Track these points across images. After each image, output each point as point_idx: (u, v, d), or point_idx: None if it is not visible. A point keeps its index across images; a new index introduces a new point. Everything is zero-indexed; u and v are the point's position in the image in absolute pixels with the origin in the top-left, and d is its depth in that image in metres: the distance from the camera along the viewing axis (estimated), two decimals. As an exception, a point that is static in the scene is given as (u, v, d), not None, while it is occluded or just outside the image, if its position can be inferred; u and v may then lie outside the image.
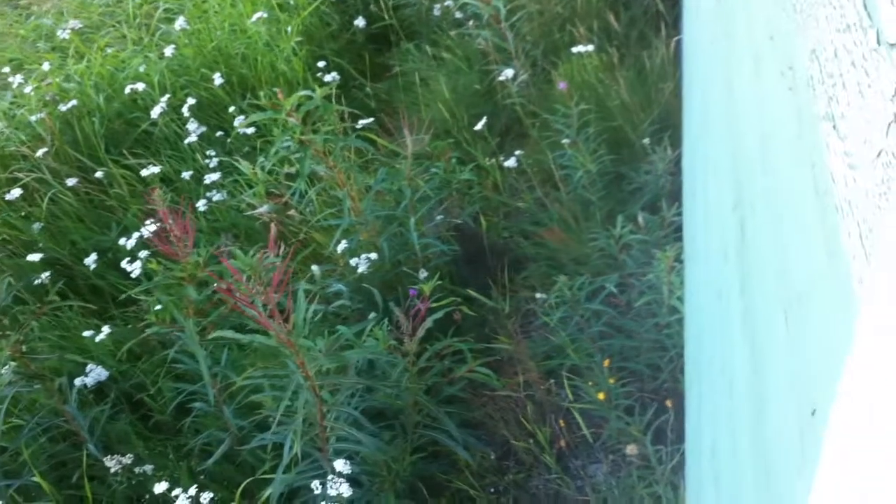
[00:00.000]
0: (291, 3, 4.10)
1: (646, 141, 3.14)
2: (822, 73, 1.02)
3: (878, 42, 0.80)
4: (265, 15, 3.79)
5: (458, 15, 4.11)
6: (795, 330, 1.06)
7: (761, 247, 1.38)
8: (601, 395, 2.35)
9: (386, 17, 4.17)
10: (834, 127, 0.94)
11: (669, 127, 3.25)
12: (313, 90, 2.71)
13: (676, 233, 2.76)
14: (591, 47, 3.45)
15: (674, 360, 2.49)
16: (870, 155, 0.78)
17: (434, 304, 2.32)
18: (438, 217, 3.07)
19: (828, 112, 0.98)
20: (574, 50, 3.47)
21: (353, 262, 2.71)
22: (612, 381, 2.37)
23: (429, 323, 2.22)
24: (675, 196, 2.97)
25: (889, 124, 0.74)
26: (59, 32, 4.04)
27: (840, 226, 0.86)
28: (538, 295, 2.77)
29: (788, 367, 1.08)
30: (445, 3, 4.18)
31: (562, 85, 3.25)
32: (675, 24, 3.84)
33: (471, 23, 3.97)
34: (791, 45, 1.25)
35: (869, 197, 0.78)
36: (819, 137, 0.99)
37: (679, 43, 3.55)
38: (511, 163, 3.22)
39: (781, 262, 1.18)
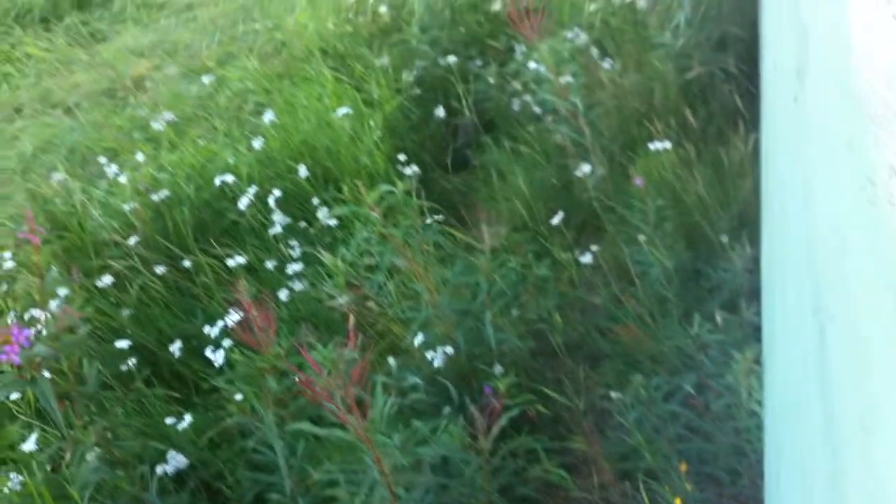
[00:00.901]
0: (375, 97, 4.24)
1: (723, 238, 3.13)
2: (902, 193, 1.03)
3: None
4: (350, 111, 3.93)
5: (537, 110, 4.19)
6: (872, 444, 1.05)
7: (842, 357, 1.36)
8: (678, 501, 2.31)
9: (466, 112, 4.27)
10: (914, 251, 0.94)
11: (747, 224, 3.24)
12: (394, 183, 2.79)
13: (755, 333, 2.73)
14: (668, 143, 3.48)
15: (753, 465, 2.44)
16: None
17: (509, 402, 2.32)
18: (514, 312, 3.08)
19: (906, 232, 0.98)
20: (651, 146, 3.50)
21: (428, 355, 2.74)
22: (689, 486, 2.33)
23: (503, 420, 2.23)
24: (754, 295, 2.94)
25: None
26: (153, 123, 4.24)
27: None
28: (613, 394, 2.75)
29: (865, 483, 1.07)
30: (524, 98, 4.27)
31: (638, 181, 3.28)
32: (753, 122, 3.84)
33: (549, 118, 4.04)
34: (870, 158, 1.25)
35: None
36: (898, 257, 0.99)
37: (757, 141, 3.56)
38: (587, 258, 3.23)
39: (862, 378, 1.17)
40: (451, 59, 4.48)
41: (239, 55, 5.00)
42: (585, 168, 3.56)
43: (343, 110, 3.92)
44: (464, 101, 4.31)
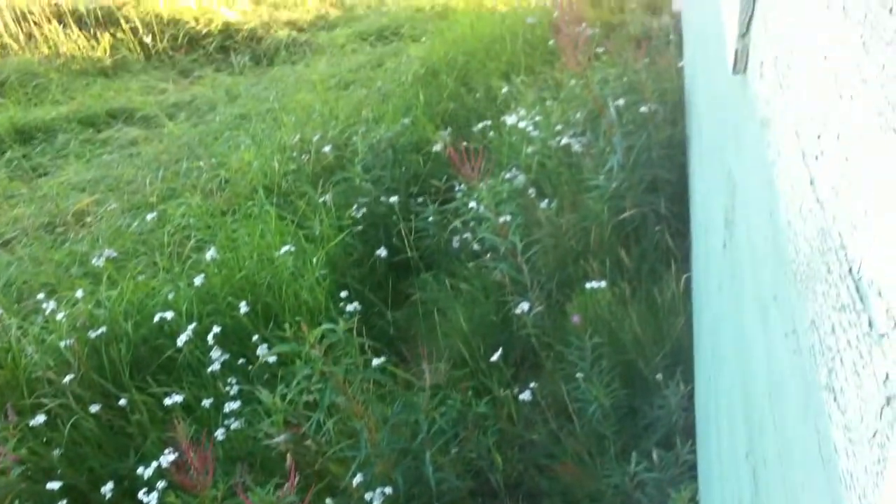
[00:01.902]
0: (318, 234, 4.30)
1: (658, 376, 3.19)
2: (822, 345, 1.09)
3: (871, 327, 0.87)
4: (292, 248, 3.97)
5: (476, 247, 4.29)
6: None
7: (774, 502, 1.39)
8: None
9: (408, 250, 4.35)
10: (835, 399, 1.00)
11: (681, 362, 3.31)
12: (335, 320, 2.81)
13: (691, 471, 2.75)
14: (603, 282, 3.57)
15: None
16: (867, 433, 0.83)
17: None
18: (454, 450, 3.07)
19: (828, 383, 1.03)
20: (587, 285, 3.59)
21: (367, 496, 2.70)
22: None
23: (444, 563, 2.20)
24: (689, 432, 2.98)
25: (882, 408, 0.79)
26: (93, 259, 4.22)
27: (844, 497, 0.90)
28: (554, 533, 2.73)
29: None
30: (464, 236, 4.37)
31: (575, 318, 3.35)
32: (684, 261, 3.98)
33: (488, 255, 4.13)
34: (793, 310, 1.32)
35: (868, 473, 0.82)
36: (822, 406, 1.04)
37: (689, 280, 3.68)
38: (526, 395, 3.26)
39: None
40: (394, 197, 4.58)
41: (182, 192, 5.04)
42: (524, 305, 3.62)
43: (285, 248, 3.97)
44: (405, 239, 4.39)
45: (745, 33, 2.06)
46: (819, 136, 1.21)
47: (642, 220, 4.24)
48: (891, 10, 0.88)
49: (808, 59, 1.30)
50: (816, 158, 1.22)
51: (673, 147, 4.74)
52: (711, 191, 2.82)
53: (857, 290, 0.97)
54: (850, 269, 1.04)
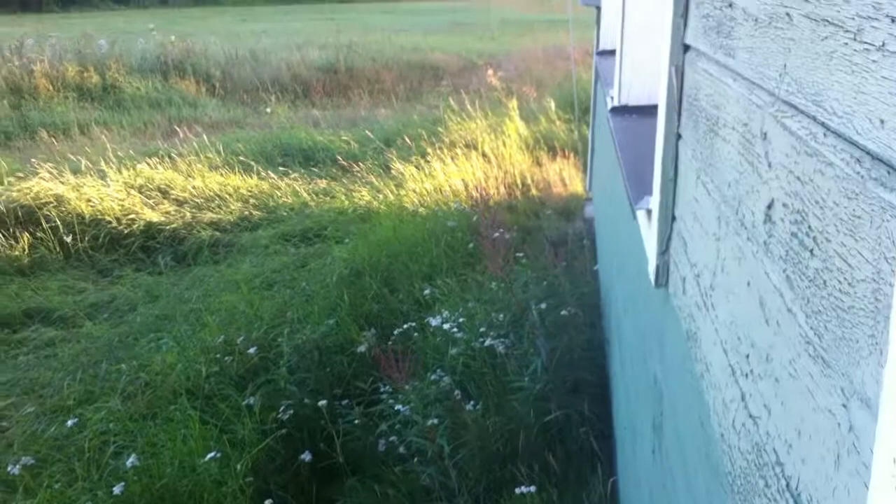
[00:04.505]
0: (241, 438, 4.22)
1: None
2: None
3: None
4: (216, 455, 3.89)
5: (402, 451, 4.26)
6: None
7: None
8: None
9: (333, 455, 4.29)
10: None
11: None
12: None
13: None
14: (533, 488, 3.58)
15: None
16: None
17: None
18: None
19: None
20: (518, 490, 3.59)
21: None
22: None
23: None
24: None
25: None
26: (8, 467, 4.04)
27: None
28: None
29: None
30: (390, 439, 4.34)
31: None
32: (609, 463, 4.02)
33: (415, 459, 4.10)
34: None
35: None
36: None
37: (615, 483, 3.71)
38: None
39: None
40: (319, 400, 4.56)
41: (100, 395, 4.93)
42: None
43: (210, 454, 3.88)
44: (331, 443, 4.34)
45: (664, 251, 2.21)
46: (748, 357, 1.30)
47: (566, 422, 4.30)
48: (812, 252, 1.00)
49: (730, 282, 1.42)
50: (747, 376, 1.31)
51: (593, 349, 4.88)
52: (638, 395, 2.91)
53: (797, 505, 1.04)
54: (788, 485, 1.10)
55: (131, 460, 3.89)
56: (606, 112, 4.60)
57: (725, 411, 1.41)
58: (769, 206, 1.18)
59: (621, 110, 3.86)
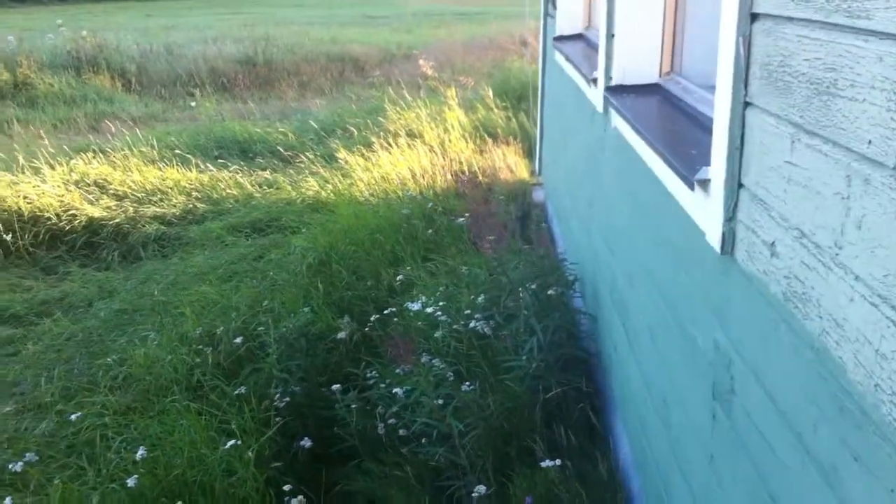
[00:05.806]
0: (242, 428, 4.16)
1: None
2: None
3: None
4: (237, 443, 3.85)
5: (402, 433, 4.26)
6: None
7: None
8: None
9: (331, 440, 4.27)
10: None
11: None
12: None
13: None
14: (558, 461, 3.65)
15: None
16: None
17: None
18: None
19: None
20: (543, 464, 3.65)
21: None
22: None
23: None
24: None
25: None
26: (10, 465, 3.88)
27: None
28: None
29: None
30: (389, 422, 4.33)
31: (528, 501, 3.39)
32: (612, 436, 4.12)
33: (423, 440, 4.11)
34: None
35: None
36: None
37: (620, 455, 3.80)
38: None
39: None
40: (310, 386, 4.55)
41: (80, 391, 4.80)
42: (481, 488, 3.62)
43: (229, 443, 3.84)
44: (329, 429, 4.33)
45: (731, 217, 2.27)
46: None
47: (563, 398, 4.37)
48: None
49: (878, 237, 1.45)
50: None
51: (575, 325, 4.97)
52: (674, 365, 2.98)
53: None
54: None
55: (140, 453, 3.80)
56: (593, 93, 4.68)
57: (882, 361, 1.44)
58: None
59: (619, 90, 3.93)
